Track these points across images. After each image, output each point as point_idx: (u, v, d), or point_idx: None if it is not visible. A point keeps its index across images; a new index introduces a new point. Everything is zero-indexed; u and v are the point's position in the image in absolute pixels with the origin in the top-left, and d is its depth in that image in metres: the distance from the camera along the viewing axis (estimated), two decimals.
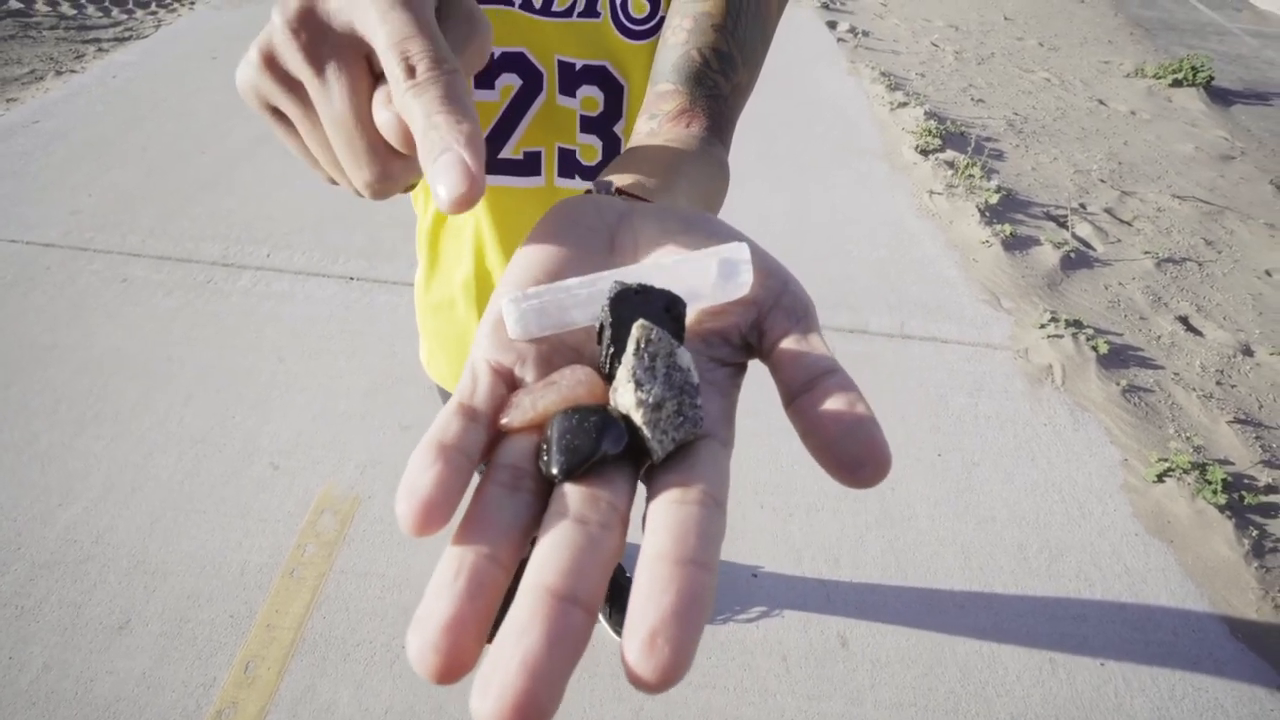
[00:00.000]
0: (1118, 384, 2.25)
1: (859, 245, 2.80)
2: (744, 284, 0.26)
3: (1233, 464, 2.04)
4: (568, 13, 0.62)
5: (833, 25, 5.21)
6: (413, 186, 0.43)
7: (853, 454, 0.21)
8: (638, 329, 0.22)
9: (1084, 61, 5.09)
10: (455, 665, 0.17)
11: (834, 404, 0.22)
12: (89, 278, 2.31)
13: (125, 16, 4.43)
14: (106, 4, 4.55)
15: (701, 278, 0.26)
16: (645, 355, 0.22)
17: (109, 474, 1.72)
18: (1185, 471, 1.95)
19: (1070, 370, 2.28)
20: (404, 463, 1.81)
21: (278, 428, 1.87)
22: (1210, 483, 1.92)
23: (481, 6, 0.62)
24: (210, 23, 4.35)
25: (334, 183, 0.31)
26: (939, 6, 5.97)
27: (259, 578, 1.54)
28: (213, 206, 2.70)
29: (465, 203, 0.23)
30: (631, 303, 0.24)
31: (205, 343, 2.11)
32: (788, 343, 0.25)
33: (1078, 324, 2.46)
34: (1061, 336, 2.37)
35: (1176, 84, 4.63)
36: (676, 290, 0.26)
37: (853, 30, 5.16)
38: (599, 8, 0.62)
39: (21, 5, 4.32)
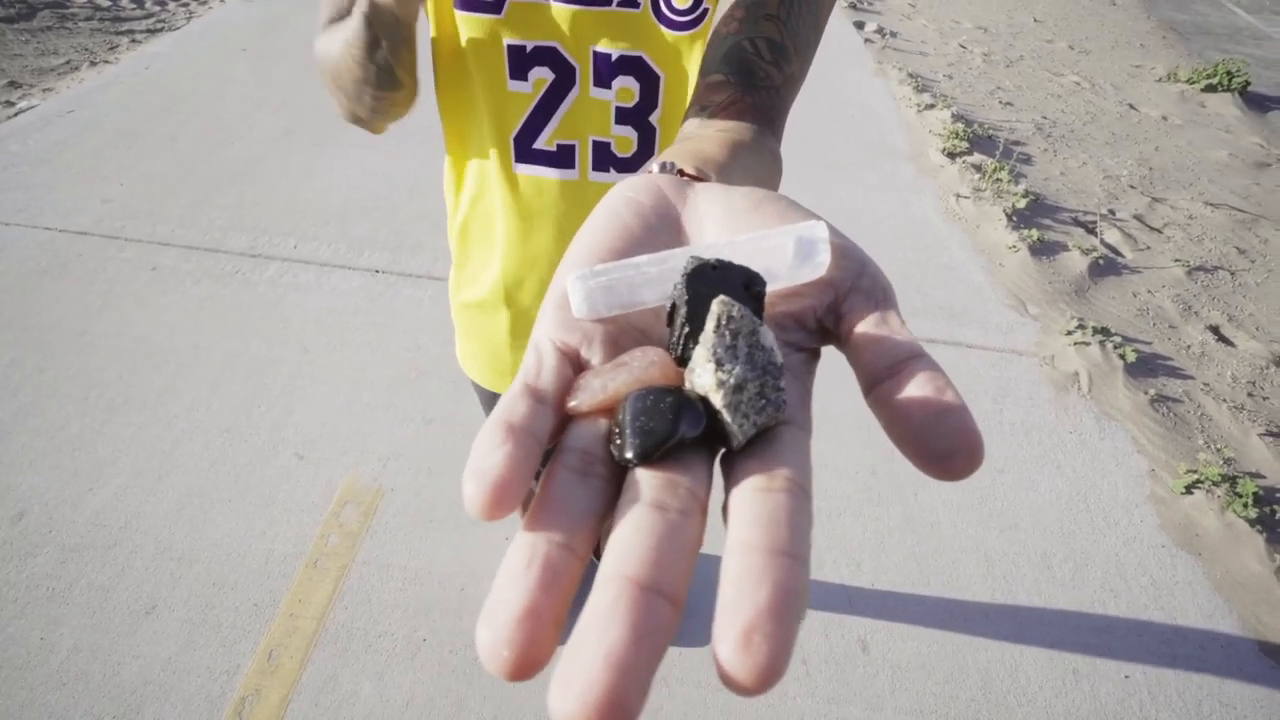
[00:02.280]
0: (1146, 393, 2.22)
1: (884, 248, 2.78)
2: (822, 264, 0.25)
3: (1264, 477, 2.00)
4: (606, 1, 0.62)
5: (860, 25, 5.17)
6: (388, 71, 0.60)
7: (942, 444, 0.19)
8: (718, 304, 0.21)
9: (1115, 65, 5.01)
10: (530, 660, 0.16)
11: (919, 390, 0.20)
12: (119, 266, 2.35)
13: (158, 8, 4.49)
14: None
15: (777, 256, 0.25)
16: (726, 333, 0.20)
17: (137, 460, 1.75)
18: (1215, 484, 1.91)
19: (1097, 378, 2.25)
20: (427, 456, 1.82)
21: (302, 418, 1.89)
22: (1241, 495, 1.88)
23: (512, 0, 0.62)
24: (240, 15, 4.40)
25: None
26: (968, 8, 5.90)
27: (283, 567, 1.56)
28: (241, 197, 2.73)
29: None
30: (709, 278, 0.23)
31: (232, 332, 2.13)
32: (867, 326, 0.24)
33: (1105, 332, 2.43)
34: (1089, 344, 2.34)
35: (1210, 89, 4.54)
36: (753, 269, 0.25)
37: (880, 31, 5.11)
38: None
39: None
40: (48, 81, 3.51)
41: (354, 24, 0.60)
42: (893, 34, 5.12)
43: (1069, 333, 2.40)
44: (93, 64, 3.71)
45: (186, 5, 4.58)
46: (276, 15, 4.40)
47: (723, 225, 0.28)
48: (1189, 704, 1.47)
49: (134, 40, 4.03)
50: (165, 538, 1.59)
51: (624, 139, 0.68)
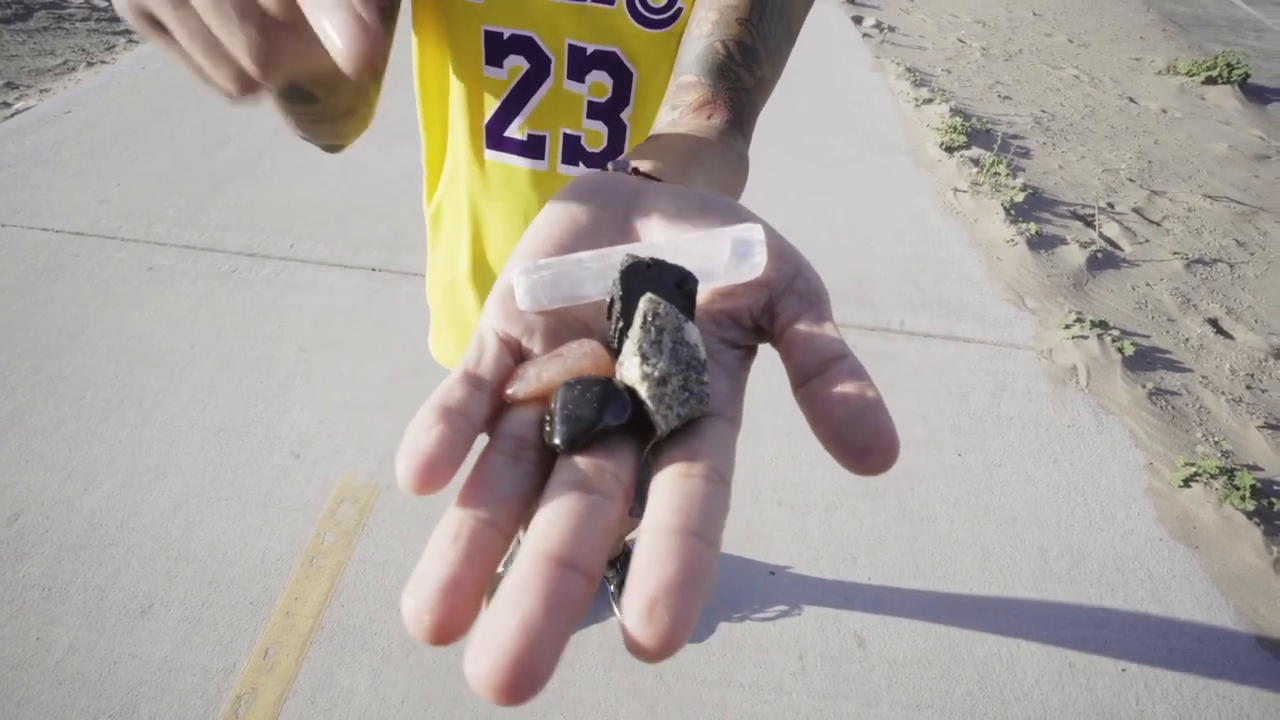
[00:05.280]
0: (1144, 386, 2.21)
1: (882, 242, 2.77)
2: (757, 265, 0.26)
3: (1262, 470, 2.00)
4: None
5: (858, 20, 5.16)
6: (297, 89, 0.40)
7: (860, 439, 0.20)
8: (645, 302, 0.22)
9: (1114, 58, 4.99)
10: (450, 627, 0.17)
11: (843, 388, 0.22)
12: (116, 266, 2.35)
13: None
14: None
15: (714, 257, 0.26)
16: (652, 329, 0.22)
17: (133, 460, 1.75)
18: (1212, 476, 1.91)
19: (1095, 372, 2.24)
20: None
21: (299, 417, 1.89)
22: (1238, 488, 1.87)
23: None
24: None
25: (219, 88, 0.28)
26: (966, 2, 5.88)
27: (279, 565, 1.56)
28: (237, 197, 2.73)
29: (364, 58, 0.21)
30: (643, 276, 0.24)
31: (228, 332, 2.13)
32: (799, 326, 0.25)
33: (1103, 325, 2.42)
34: (1086, 337, 2.33)
35: (1210, 81, 4.53)
36: (689, 268, 0.26)
37: (878, 25, 5.10)
38: None
39: None
40: (44, 82, 3.51)
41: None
42: (891, 28, 5.10)
43: (1067, 326, 2.39)
44: (90, 64, 3.71)
45: None
46: None
47: (669, 224, 0.28)
48: (1186, 697, 1.47)
49: (131, 40, 4.03)
50: (161, 537, 1.59)
51: (595, 133, 0.68)
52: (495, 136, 0.70)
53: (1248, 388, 2.29)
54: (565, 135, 0.69)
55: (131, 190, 2.72)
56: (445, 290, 0.86)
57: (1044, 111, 4.08)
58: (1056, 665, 1.51)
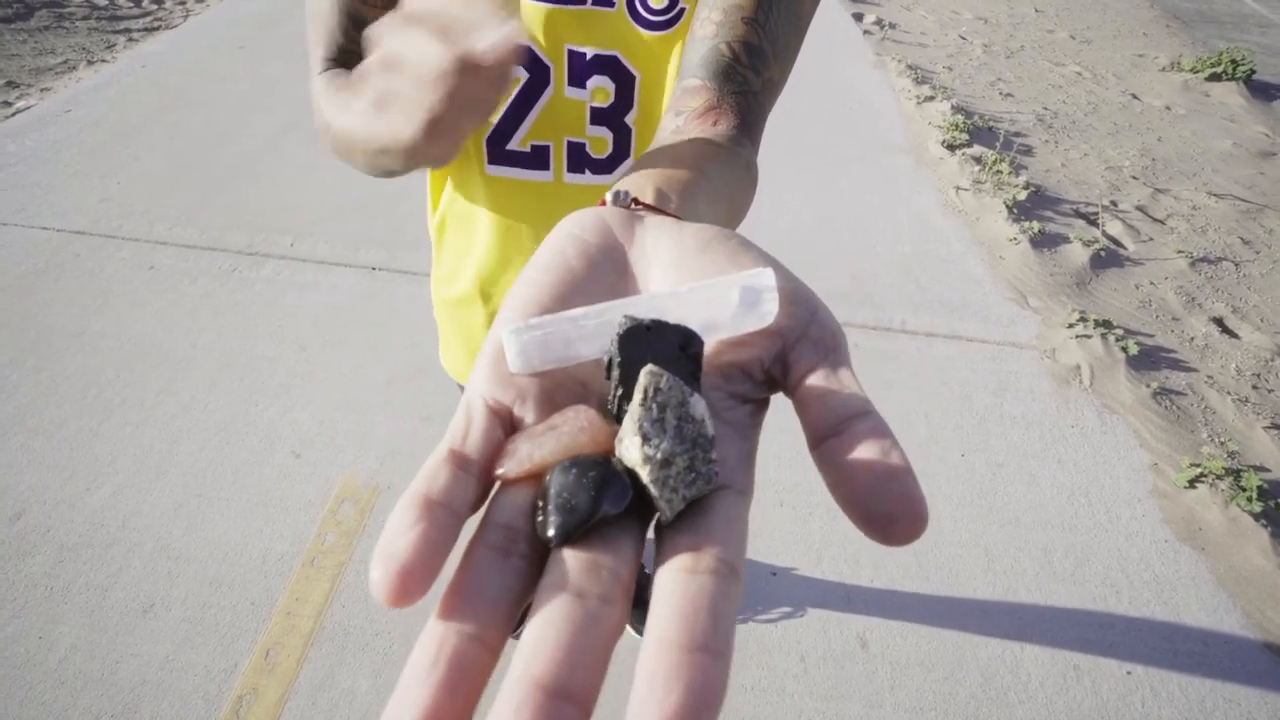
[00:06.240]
0: (1148, 386, 2.20)
1: (884, 241, 2.76)
2: (768, 314, 0.24)
3: (1269, 471, 1.99)
4: (581, 0, 0.61)
5: (859, 17, 5.14)
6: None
7: (885, 509, 0.19)
8: (646, 375, 0.20)
9: (1117, 55, 4.97)
10: None
11: (865, 451, 0.20)
12: (117, 265, 2.34)
13: (155, 7, 4.48)
14: None
15: (721, 307, 0.24)
16: (654, 406, 0.20)
17: (135, 459, 1.75)
18: (1219, 477, 1.90)
19: (1099, 371, 2.23)
20: (424, 453, 1.81)
21: (299, 416, 1.89)
22: (1245, 489, 1.86)
23: None
24: (238, 13, 4.39)
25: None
26: None
27: (280, 565, 1.56)
28: (238, 195, 2.72)
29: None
30: (643, 340, 0.22)
31: (229, 331, 2.13)
32: (815, 379, 0.23)
33: (1107, 324, 2.41)
34: (1090, 337, 2.32)
35: (1215, 78, 4.51)
36: (694, 321, 0.24)
37: (879, 23, 5.08)
38: None
39: None
40: (45, 81, 3.50)
41: (372, 138, 0.42)
42: (892, 25, 5.08)
43: (1070, 325, 2.38)
44: (90, 63, 3.70)
45: (183, 3, 4.57)
46: (273, 13, 4.39)
47: (670, 267, 0.27)
48: (1192, 701, 1.46)
49: (131, 39, 4.02)
50: (163, 536, 1.59)
51: (599, 139, 0.67)
52: (497, 152, 0.69)
53: (1254, 388, 2.28)
54: (569, 144, 0.67)
55: (132, 189, 2.71)
56: (452, 305, 0.86)
57: (1046, 109, 4.06)
58: (1061, 668, 1.50)
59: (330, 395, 1.96)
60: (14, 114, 3.17)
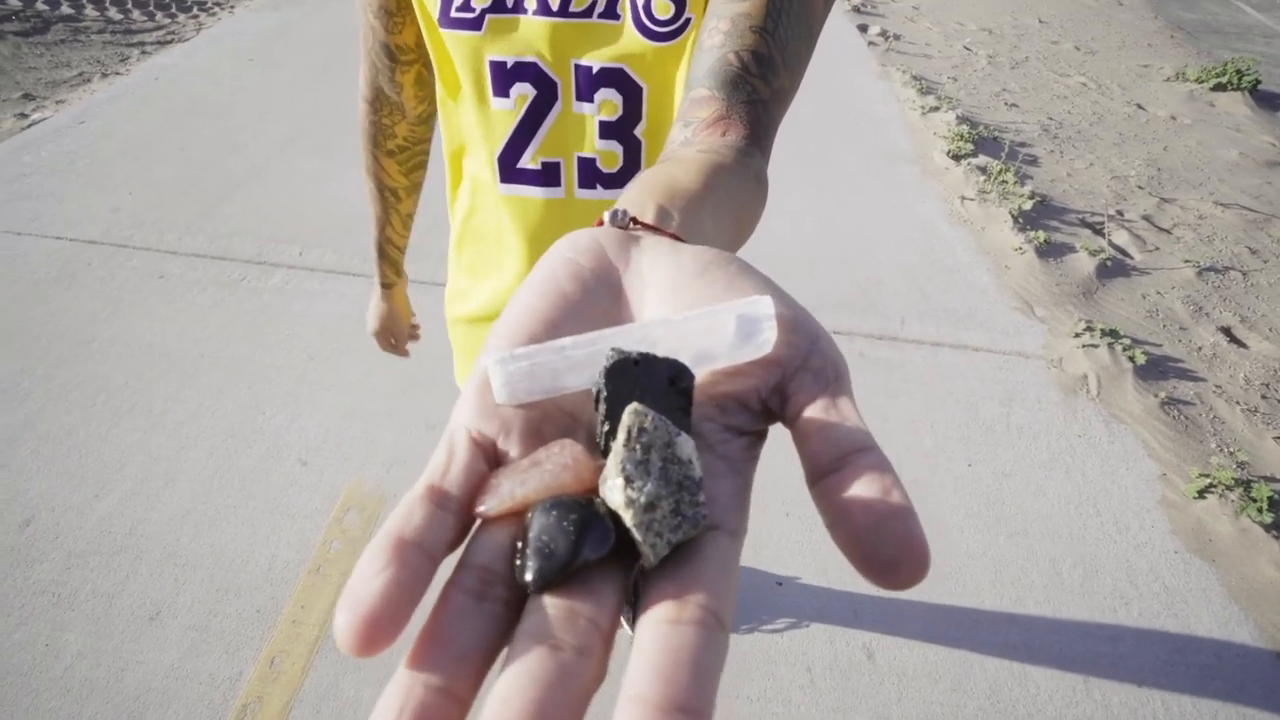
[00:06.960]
0: (1156, 396, 2.19)
1: (889, 250, 2.76)
2: (765, 343, 0.23)
3: (1279, 481, 1.97)
4: (587, 13, 0.62)
5: (864, 29, 5.17)
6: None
7: (885, 552, 0.18)
8: (629, 415, 0.19)
9: (1122, 65, 4.97)
10: None
11: (865, 490, 0.19)
12: (128, 274, 2.37)
13: (168, 20, 4.55)
14: (151, 8, 4.67)
15: (717, 336, 0.23)
16: (637, 447, 0.19)
17: (143, 466, 1.76)
18: (1228, 488, 1.88)
19: (1106, 381, 2.22)
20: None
21: (306, 424, 1.90)
22: (1255, 500, 1.85)
23: (492, 16, 0.62)
24: (249, 26, 4.45)
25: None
26: (972, 10, 5.88)
27: (286, 573, 1.56)
28: (247, 205, 2.75)
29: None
30: (630, 375, 0.21)
31: (238, 339, 2.14)
32: (814, 411, 0.22)
33: (1114, 334, 2.40)
34: (1097, 346, 2.31)
35: (1220, 88, 4.51)
36: (687, 351, 0.23)
37: (884, 34, 5.11)
38: (619, 9, 0.61)
39: (72, 11, 4.46)
40: (60, 93, 3.55)
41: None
42: (896, 36, 5.11)
43: (1077, 335, 2.37)
44: (104, 75, 3.75)
45: (196, 17, 4.64)
46: (283, 26, 4.45)
47: (666, 291, 0.26)
48: (1204, 715, 1.45)
49: (144, 52, 4.08)
50: (170, 544, 1.60)
51: (609, 154, 0.67)
52: (508, 170, 0.69)
53: (1263, 397, 2.26)
54: (580, 159, 0.68)
55: (143, 199, 2.74)
56: (465, 323, 0.86)
57: (1051, 119, 4.07)
58: (1070, 681, 1.49)
59: (337, 403, 1.96)
60: (30, 125, 3.21)
